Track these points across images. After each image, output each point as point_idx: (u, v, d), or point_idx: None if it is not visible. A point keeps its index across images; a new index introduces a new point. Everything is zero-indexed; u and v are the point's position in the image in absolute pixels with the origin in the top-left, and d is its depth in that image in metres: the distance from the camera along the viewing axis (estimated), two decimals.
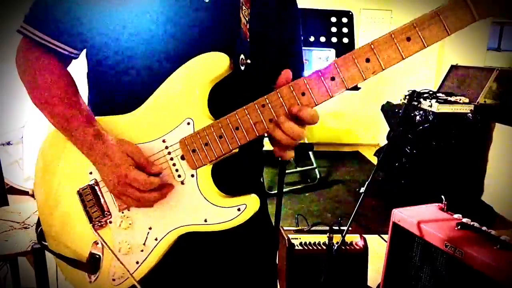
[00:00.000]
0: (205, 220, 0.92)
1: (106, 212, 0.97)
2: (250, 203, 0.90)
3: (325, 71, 0.83)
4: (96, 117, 0.97)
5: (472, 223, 1.86)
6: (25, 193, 3.70)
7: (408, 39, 0.78)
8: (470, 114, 3.74)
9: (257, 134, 0.88)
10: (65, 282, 1.09)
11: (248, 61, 0.94)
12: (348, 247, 2.18)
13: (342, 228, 2.17)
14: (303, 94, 0.84)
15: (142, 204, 0.92)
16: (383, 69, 0.80)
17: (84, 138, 0.93)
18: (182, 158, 0.92)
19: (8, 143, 3.67)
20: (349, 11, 3.93)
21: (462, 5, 0.75)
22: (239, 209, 0.90)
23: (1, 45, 3.19)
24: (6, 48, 3.16)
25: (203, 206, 0.92)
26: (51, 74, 0.97)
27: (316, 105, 0.85)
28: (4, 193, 2.13)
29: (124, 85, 0.97)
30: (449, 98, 3.86)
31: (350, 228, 2.16)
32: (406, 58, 0.79)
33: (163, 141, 0.93)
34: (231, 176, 0.99)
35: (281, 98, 0.85)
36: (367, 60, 0.80)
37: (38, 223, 1.08)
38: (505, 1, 0.74)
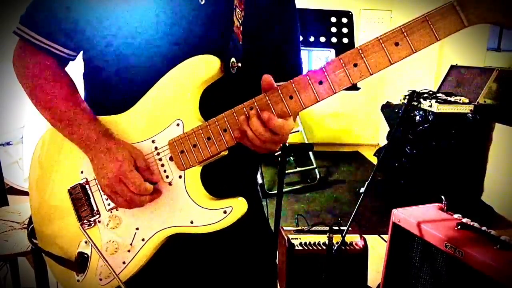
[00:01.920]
0: (191, 222, 0.92)
1: (95, 212, 0.98)
2: (237, 206, 0.90)
3: (313, 75, 0.83)
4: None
5: (472, 223, 1.86)
6: (25, 193, 3.68)
7: (397, 44, 0.78)
8: (470, 114, 3.73)
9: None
10: None
11: (239, 64, 0.93)
12: (348, 247, 2.18)
13: (342, 228, 2.17)
14: (290, 97, 0.84)
15: (130, 206, 0.92)
16: (371, 74, 0.80)
17: (88, 133, 0.93)
18: (171, 159, 0.92)
19: (8, 143, 3.67)
20: (349, 11, 3.93)
21: (452, 11, 0.75)
22: (225, 212, 0.90)
23: (1, 45, 3.19)
24: (6, 48, 3.16)
25: (190, 208, 0.92)
26: (49, 75, 0.98)
27: (304, 108, 0.85)
28: (4, 193, 2.13)
29: (118, 86, 0.97)
30: (449, 98, 3.85)
31: (350, 228, 2.15)
32: (394, 63, 0.79)
33: (153, 141, 0.93)
34: (225, 177, 0.99)
35: (269, 101, 0.85)
36: (355, 65, 0.80)
37: (30, 221, 1.08)
38: (496, 8, 0.72)
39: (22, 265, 1.98)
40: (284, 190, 3.46)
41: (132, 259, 0.96)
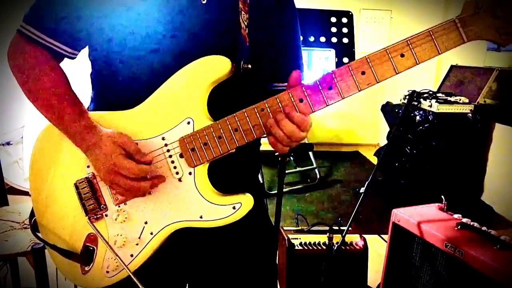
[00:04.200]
0: (201, 217, 0.95)
1: (102, 206, 0.99)
2: (245, 202, 0.94)
3: (323, 80, 0.87)
4: (97, 112, 0.99)
5: (472, 223, 1.86)
6: (25, 193, 3.70)
7: (402, 55, 0.84)
8: (470, 114, 3.74)
9: (255, 137, 0.91)
10: (66, 282, 1.09)
11: (249, 66, 0.95)
12: (348, 247, 2.18)
13: (342, 228, 2.17)
14: (301, 100, 0.88)
15: (132, 193, 0.94)
16: (378, 82, 0.85)
17: (76, 129, 0.95)
18: (181, 156, 0.94)
19: (8, 143, 3.67)
20: (349, 11, 3.93)
21: (453, 28, 0.81)
22: (234, 207, 0.93)
23: (0, 46, 3.18)
24: (5, 48, 3.15)
25: (199, 203, 0.94)
26: (45, 69, 0.99)
27: (313, 112, 0.89)
28: (4, 193, 2.13)
29: (127, 85, 0.98)
30: (449, 98, 3.85)
31: (350, 228, 2.15)
32: (399, 73, 0.85)
33: (163, 138, 0.95)
34: (228, 175, 1.00)
35: (280, 104, 0.89)
36: (363, 73, 0.85)
37: (32, 214, 1.08)
38: (492, 27, 0.80)
39: (22, 265, 1.98)
40: (284, 190, 3.47)
41: (140, 252, 0.98)
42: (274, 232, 2.05)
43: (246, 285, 1.15)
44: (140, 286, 0.92)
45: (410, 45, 0.83)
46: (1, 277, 2.08)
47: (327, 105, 0.88)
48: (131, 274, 0.94)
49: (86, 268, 1.01)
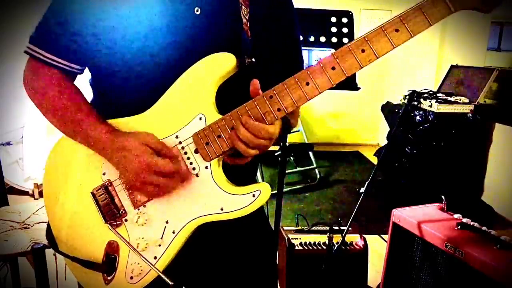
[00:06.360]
0: (221, 209, 0.95)
1: (121, 211, 0.99)
2: (264, 189, 0.95)
3: (325, 62, 0.90)
4: (107, 120, 1.00)
5: (472, 223, 1.86)
6: (25, 193, 3.70)
7: (397, 30, 0.88)
8: (470, 114, 3.74)
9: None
10: (65, 282, 1.09)
11: (253, 59, 0.97)
12: (348, 247, 2.18)
13: (342, 228, 2.17)
14: (307, 83, 0.91)
15: (164, 191, 0.95)
16: (378, 58, 0.89)
17: (99, 136, 0.96)
18: (196, 151, 0.96)
19: (8, 143, 3.67)
20: (349, 11, 3.92)
21: (440, 0, 0.86)
22: (253, 195, 0.94)
23: (1, 47, 3.18)
24: (6, 49, 3.15)
25: (219, 196, 0.95)
26: (59, 87, 1.00)
27: (320, 93, 0.91)
28: (4, 193, 2.13)
29: (128, 91, 1.00)
30: (449, 98, 3.85)
31: (350, 228, 2.15)
32: (397, 47, 0.89)
33: (176, 137, 0.96)
34: (227, 175, 1.00)
35: (287, 89, 0.91)
36: (363, 51, 0.89)
37: (48, 230, 1.08)
38: None
39: (22, 265, 1.98)
40: (284, 190, 3.46)
41: (163, 253, 0.98)
42: (273, 232, 2.06)
43: (246, 285, 1.15)
44: (169, 282, 0.91)
45: (403, 21, 0.87)
46: (1, 277, 2.08)
47: (332, 85, 0.91)
48: (160, 274, 0.94)
49: (109, 277, 1.00)
